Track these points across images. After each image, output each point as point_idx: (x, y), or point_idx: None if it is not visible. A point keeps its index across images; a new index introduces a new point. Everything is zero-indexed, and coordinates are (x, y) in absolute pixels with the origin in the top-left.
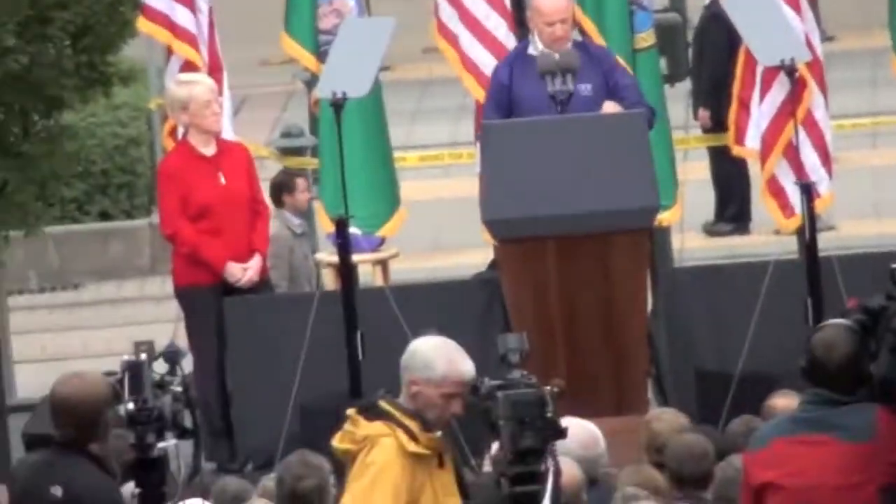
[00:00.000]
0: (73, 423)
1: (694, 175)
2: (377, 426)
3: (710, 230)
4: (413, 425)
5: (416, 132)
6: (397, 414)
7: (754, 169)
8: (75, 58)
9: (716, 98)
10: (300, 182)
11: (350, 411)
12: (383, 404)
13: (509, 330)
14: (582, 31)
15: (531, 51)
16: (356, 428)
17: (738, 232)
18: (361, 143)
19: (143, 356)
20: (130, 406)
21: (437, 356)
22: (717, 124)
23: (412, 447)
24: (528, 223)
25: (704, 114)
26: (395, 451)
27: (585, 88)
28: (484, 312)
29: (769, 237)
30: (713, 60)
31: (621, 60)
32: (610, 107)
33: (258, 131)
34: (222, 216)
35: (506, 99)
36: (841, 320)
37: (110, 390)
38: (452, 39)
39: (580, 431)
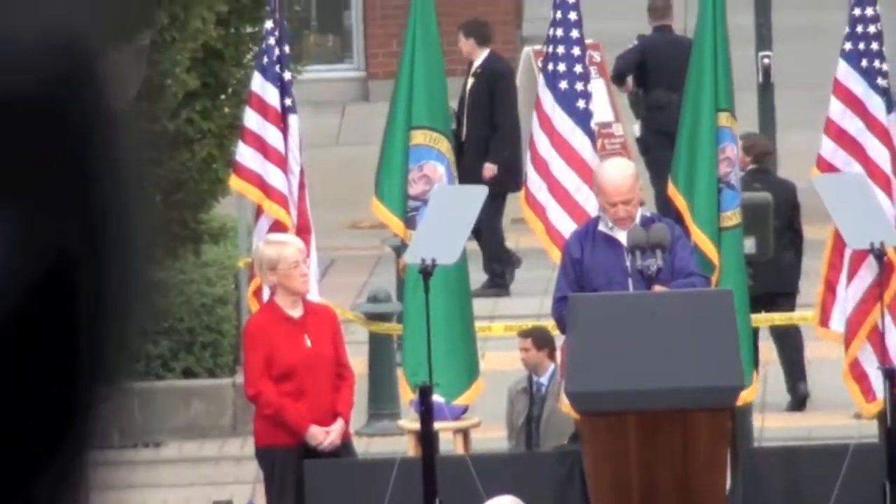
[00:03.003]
0: None
1: (777, 356)
2: None
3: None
4: None
5: (502, 303)
6: None
7: (838, 352)
8: (166, 213)
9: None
10: None
11: None
12: None
13: (588, 503)
14: (673, 207)
15: (601, 227)
16: None
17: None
18: (444, 312)
19: None
20: None
21: None
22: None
23: None
24: (612, 397)
25: None
26: None
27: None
28: (563, 484)
29: (848, 420)
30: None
31: (702, 237)
32: (657, 289)
33: (345, 294)
34: (306, 378)
35: (578, 273)
36: None
37: None
38: (540, 210)
39: None
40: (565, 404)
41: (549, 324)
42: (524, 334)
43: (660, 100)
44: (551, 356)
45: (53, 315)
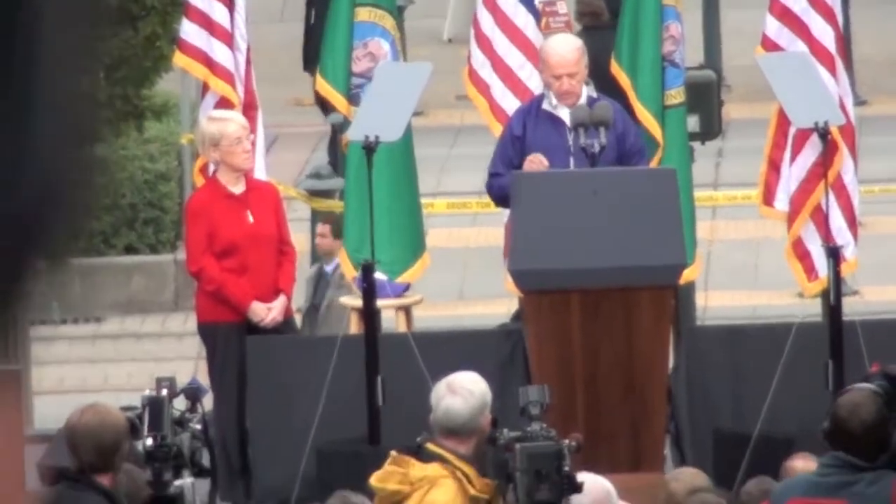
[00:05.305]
0: (88, 453)
1: (721, 234)
2: (434, 468)
3: None
4: (469, 470)
5: (445, 179)
6: (453, 458)
7: (782, 231)
8: (109, 90)
9: None
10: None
11: (394, 453)
12: (435, 448)
13: (530, 381)
14: (616, 84)
15: (545, 105)
16: (408, 469)
17: None
18: (388, 188)
19: (164, 392)
20: (149, 442)
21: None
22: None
23: (472, 491)
24: (554, 275)
25: None
26: (455, 493)
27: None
28: (506, 363)
29: (793, 299)
30: None
31: (647, 114)
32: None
33: (288, 171)
34: (249, 255)
35: (518, 151)
36: (867, 384)
37: (127, 424)
38: (484, 88)
39: (594, 487)
40: (508, 282)
41: (485, 200)
42: (324, 220)
43: None
44: None
45: None
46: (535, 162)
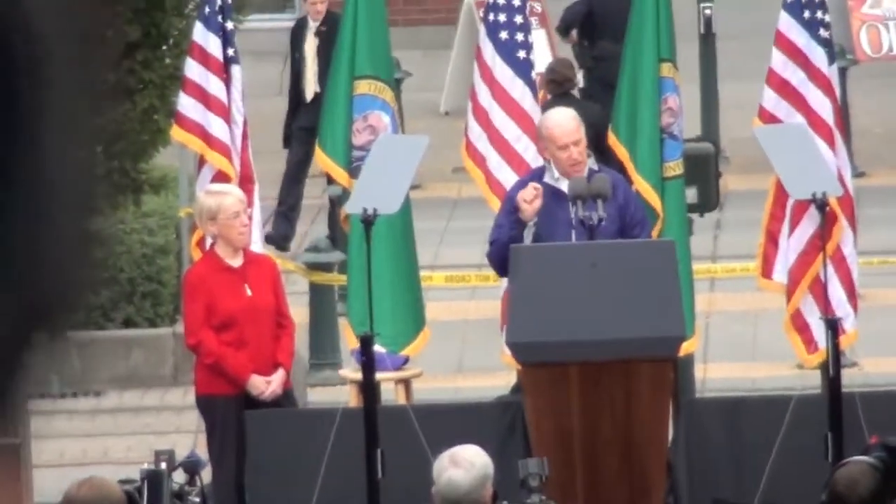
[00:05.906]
0: None
1: (720, 305)
2: None
3: None
4: None
5: (443, 252)
6: None
7: (780, 303)
8: (107, 163)
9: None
10: None
11: None
12: None
13: (530, 454)
14: (614, 156)
15: (547, 178)
16: None
17: None
18: (389, 261)
19: (164, 465)
20: None
21: None
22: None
23: None
24: (553, 348)
25: None
26: None
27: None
28: (505, 435)
29: (792, 371)
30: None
31: (646, 186)
32: None
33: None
34: (247, 328)
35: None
36: (864, 457)
37: (125, 497)
38: (480, 160)
39: None
40: (506, 356)
41: (491, 274)
42: None
43: (606, 51)
44: None
45: None
46: (529, 189)
